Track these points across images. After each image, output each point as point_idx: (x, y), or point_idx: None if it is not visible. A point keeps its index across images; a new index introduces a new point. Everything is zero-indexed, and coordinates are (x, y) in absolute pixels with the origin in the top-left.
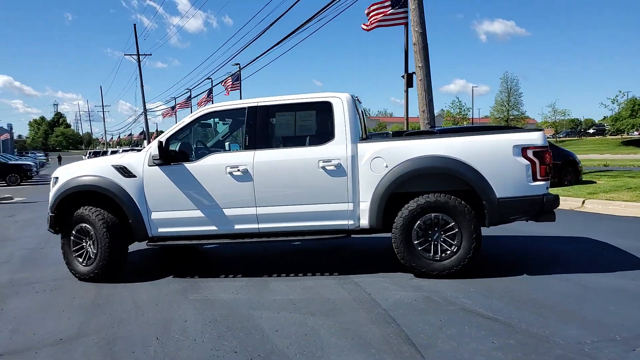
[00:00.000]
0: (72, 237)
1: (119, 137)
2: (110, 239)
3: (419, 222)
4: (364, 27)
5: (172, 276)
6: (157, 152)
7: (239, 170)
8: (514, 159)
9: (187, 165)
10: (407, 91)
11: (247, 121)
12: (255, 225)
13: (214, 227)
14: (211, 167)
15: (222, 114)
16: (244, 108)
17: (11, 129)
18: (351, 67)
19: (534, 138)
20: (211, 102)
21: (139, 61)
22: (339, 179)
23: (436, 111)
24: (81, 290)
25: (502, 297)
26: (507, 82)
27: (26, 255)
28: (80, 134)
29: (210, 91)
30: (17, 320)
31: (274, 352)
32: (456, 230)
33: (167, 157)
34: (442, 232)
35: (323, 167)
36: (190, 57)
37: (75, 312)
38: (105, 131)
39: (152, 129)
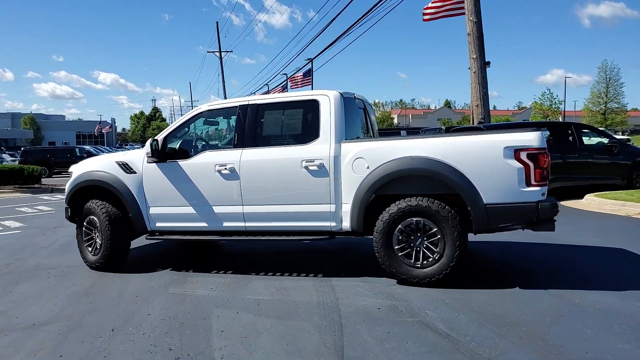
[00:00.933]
0: (83, 228)
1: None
2: (112, 231)
3: (399, 226)
4: (426, 17)
5: (170, 269)
6: (149, 150)
7: (226, 168)
8: (505, 162)
9: (181, 162)
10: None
11: (237, 120)
12: (242, 224)
13: (204, 224)
14: (202, 164)
15: (216, 113)
16: (236, 107)
17: (114, 122)
18: (438, 59)
19: (529, 139)
20: None
21: (220, 57)
22: (322, 180)
23: (528, 104)
24: (83, 278)
25: (473, 311)
26: (606, 71)
27: (66, 242)
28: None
29: (285, 86)
30: (12, 303)
31: (202, 353)
32: (439, 236)
33: (162, 155)
34: (424, 238)
35: (306, 167)
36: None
37: (64, 298)
38: None
39: None
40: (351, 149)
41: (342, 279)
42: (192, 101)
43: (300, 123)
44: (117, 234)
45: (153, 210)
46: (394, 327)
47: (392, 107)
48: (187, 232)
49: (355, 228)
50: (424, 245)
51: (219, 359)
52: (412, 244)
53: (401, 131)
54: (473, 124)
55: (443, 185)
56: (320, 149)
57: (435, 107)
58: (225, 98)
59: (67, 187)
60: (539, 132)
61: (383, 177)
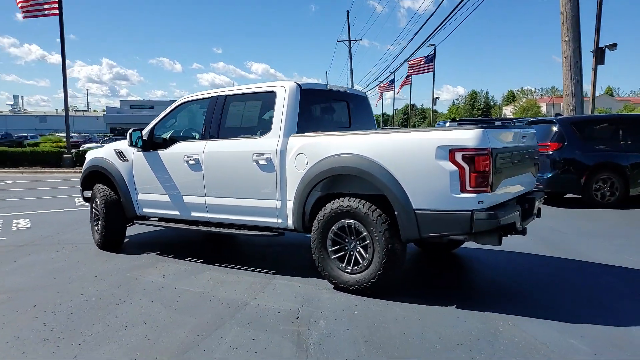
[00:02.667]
0: (92, 209)
1: None
2: (107, 213)
3: (333, 227)
4: None
5: (158, 253)
6: (128, 139)
7: (192, 159)
8: (437, 164)
9: (160, 152)
10: (595, 69)
11: (207, 111)
12: (205, 214)
13: (177, 212)
14: (174, 154)
15: (196, 103)
16: (208, 98)
17: None
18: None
19: (465, 138)
20: (399, 88)
21: (349, 46)
22: (269, 175)
23: None
24: (80, 255)
25: (368, 327)
26: None
27: None
28: None
29: (408, 75)
30: (4, 272)
31: (83, 334)
32: (368, 241)
33: (147, 144)
34: (357, 242)
35: (256, 161)
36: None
37: (47, 272)
38: None
39: None
40: (295, 144)
41: (290, 277)
42: None
43: (258, 115)
44: (112, 217)
45: (140, 196)
46: (263, 334)
47: (541, 95)
48: (167, 219)
49: (296, 226)
50: (357, 250)
51: (87, 339)
52: (346, 247)
53: (495, 122)
54: (563, 115)
55: (373, 186)
56: (269, 142)
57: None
58: (352, 86)
59: (82, 171)
60: (479, 130)
61: (318, 174)
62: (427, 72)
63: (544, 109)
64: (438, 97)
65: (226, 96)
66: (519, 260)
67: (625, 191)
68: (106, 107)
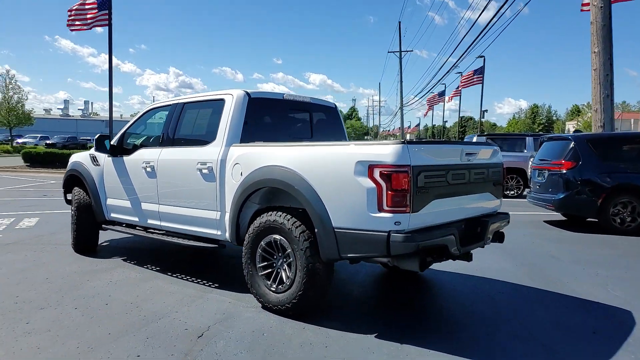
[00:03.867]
0: (72, 212)
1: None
2: (79, 216)
3: (262, 242)
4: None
5: (123, 258)
6: (94, 145)
7: (149, 166)
8: (355, 180)
9: (125, 158)
10: None
11: (166, 118)
12: (158, 222)
13: (136, 219)
14: (134, 161)
15: (161, 110)
16: (169, 105)
17: None
18: None
19: (383, 153)
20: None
21: (400, 57)
22: (210, 184)
23: None
24: (51, 256)
25: (265, 352)
26: None
27: None
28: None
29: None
30: None
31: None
32: (292, 259)
33: (116, 149)
34: (284, 259)
35: (200, 170)
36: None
37: (7, 272)
38: (380, 125)
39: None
40: (234, 153)
41: (227, 292)
42: (379, 101)
43: (207, 123)
44: (83, 220)
45: (109, 201)
46: (151, 351)
47: (627, 110)
48: (130, 225)
49: (229, 239)
50: (283, 268)
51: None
52: (274, 264)
53: (526, 138)
54: (592, 131)
55: (296, 201)
56: (212, 151)
57: None
58: (402, 98)
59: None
60: (398, 146)
61: (249, 186)
62: (476, 83)
63: (632, 125)
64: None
65: (184, 104)
66: (487, 288)
67: None
68: None
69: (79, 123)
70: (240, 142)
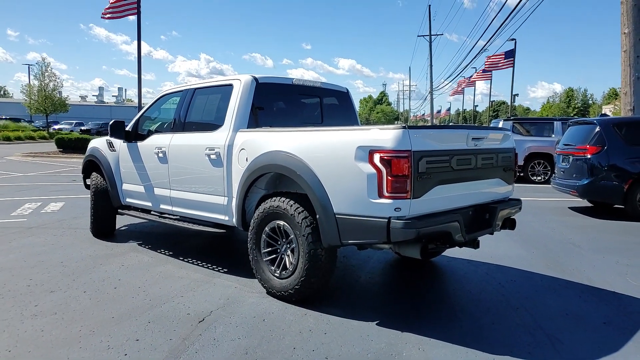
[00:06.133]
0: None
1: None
2: (95, 201)
3: (266, 228)
4: None
5: (139, 243)
6: (109, 130)
7: (161, 151)
8: (356, 165)
9: (139, 143)
10: None
11: (178, 104)
12: (170, 207)
13: (149, 203)
14: (148, 146)
15: (173, 96)
16: (181, 91)
17: None
18: None
19: (383, 138)
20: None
21: (430, 41)
22: (218, 170)
23: None
24: (70, 240)
25: (263, 338)
26: None
27: None
28: (400, 110)
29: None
30: None
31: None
32: (294, 245)
33: (130, 135)
34: (287, 245)
35: (208, 155)
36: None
37: (25, 254)
38: (410, 109)
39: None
40: (240, 139)
41: (234, 278)
42: (410, 86)
43: (216, 109)
44: (100, 205)
45: (125, 186)
46: (150, 335)
47: None
48: (143, 210)
49: (235, 224)
50: (287, 254)
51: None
52: (278, 250)
53: (554, 122)
54: (620, 114)
55: (299, 186)
56: (220, 137)
57: None
58: (432, 82)
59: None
60: (398, 131)
61: (254, 171)
62: (507, 67)
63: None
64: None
65: (195, 89)
66: (498, 275)
67: None
68: None
69: (113, 109)
70: (248, 128)
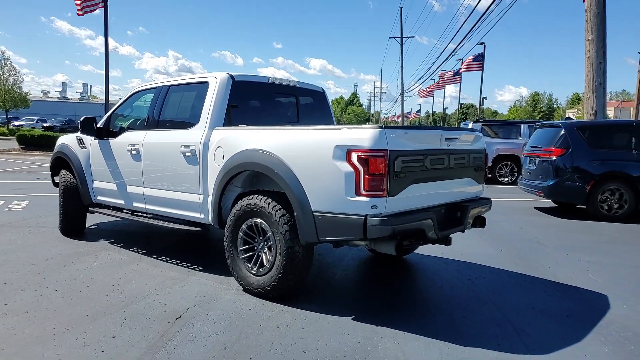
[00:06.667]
0: (58, 194)
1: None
2: (65, 199)
3: (243, 226)
4: None
5: (110, 241)
6: (80, 126)
7: (134, 149)
8: (334, 164)
9: (111, 140)
10: None
11: (152, 101)
12: (143, 205)
13: (122, 201)
14: (120, 143)
15: (147, 93)
16: (155, 87)
17: None
18: None
19: (360, 138)
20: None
21: (401, 44)
22: (193, 167)
23: None
24: (38, 238)
25: (241, 334)
26: None
27: None
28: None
29: (457, 72)
30: None
31: None
32: (272, 242)
33: (102, 132)
34: (264, 243)
35: (183, 153)
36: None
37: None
38: (381, 111)
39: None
40: (216, 136)
41: (210, 276)
42: (381, 87)
43: (191, 106)
44: (70, 203)
45: (95, 184)
46: (127, 332)
47: (610, 98)
48: (116, 208)
49: (211, 222)
50: (264, 251)
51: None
52: (255, 248)
53: (521, 125)
54: (584, 119)
55: (276, 184)
56: (195, 134)
57: None
58: (402, 83)
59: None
60: (375, 130)
61: (231, 169)
62: (476, 70)
63: (611, 113)
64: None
65: (169, 86)
66: (468, 272)
67: (636, 204)
68: None
69: (77, 106)
70: (224, 126)
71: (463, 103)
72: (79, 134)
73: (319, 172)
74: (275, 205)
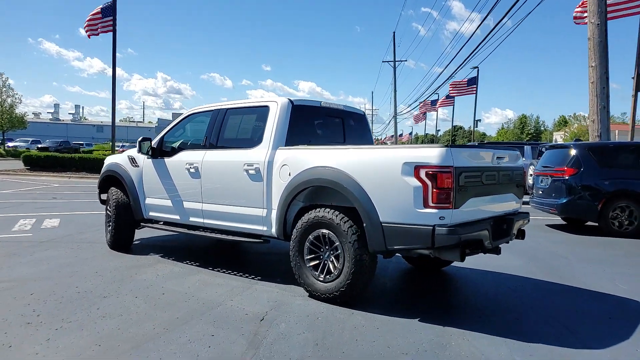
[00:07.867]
0: (106, 211)
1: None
2: (117, 215)
3: (310, 237)
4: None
5: (161, 255)
6: (137, 147)
7: (192, 167)
8: (402, 179)
9: (166, 159)
10: (635, 95)
11: (209, 122)
12: (201, 220)
13: (177, 217)
14: (177, 162)
15: (202, 115)
16: (211, 110)
17: None
18: None
19: (429, 155)
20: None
21: (394, 67)
22: (257, 184)
23: None
24: (90, 253)
25: (324, 332)
26: None
27: None
28: None
29: (449, 96)
30: (18, 264)
31: (64, 320)
32: (340, 251)
33: (154, 151)
34: (331, 252)
35: (246, 171)
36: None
37: (55, 266)
38: (373, 132)
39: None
40: (281, 155)
41: (272, 284)
42: (372, 109)
43: (252, 128)
44: (122, 219)
45: (148, 200)
46: (222, 331)
47: (612, 121)
48: (169, 223)
49: (277, 234)
50: (330, 260)
51: (59, 327)
52: (320, 257)
53: (525, 146)
54: (589, 141)
55: (346, 199)
56: (259, 153)
57: None
58: (396, 106)
59: (100, 175)
60: (442, 149)
61: (298, 184)
62: (469, 94)
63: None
64: (480, 120)
65: (227, 109)
66: (506, 281)
67: None
68: (158, 119)
69: (69, 127)
70: (285, 145)
71: (455, 126)
72: (130, 152)
73: (387, 187)
74: (343, 217)
